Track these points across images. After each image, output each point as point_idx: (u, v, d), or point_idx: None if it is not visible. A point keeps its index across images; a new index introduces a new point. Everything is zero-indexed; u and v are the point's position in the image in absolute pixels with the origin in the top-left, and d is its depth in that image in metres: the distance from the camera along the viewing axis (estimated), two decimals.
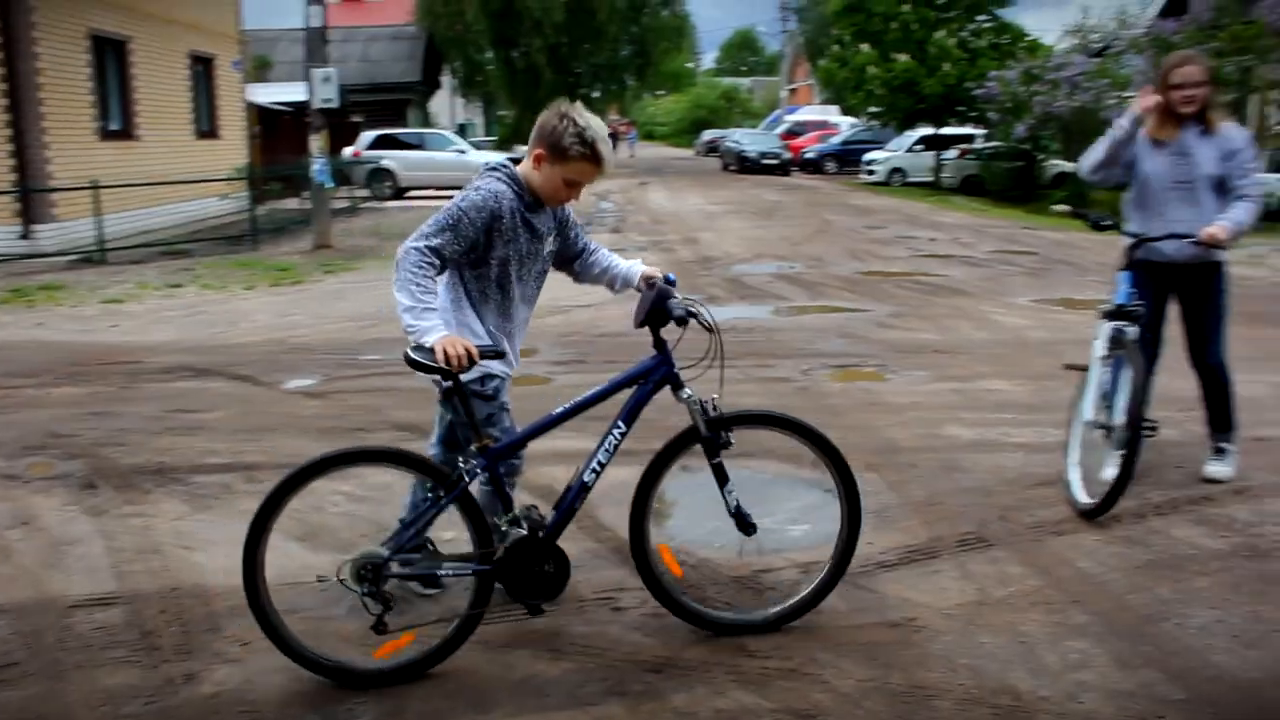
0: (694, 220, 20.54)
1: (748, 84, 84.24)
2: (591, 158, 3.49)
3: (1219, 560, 4.40)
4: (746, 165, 37.97)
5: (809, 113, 48.35)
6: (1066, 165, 25.99)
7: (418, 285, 3.36)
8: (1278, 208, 20.43)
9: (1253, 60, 20.32)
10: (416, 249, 3.40)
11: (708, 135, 57.04)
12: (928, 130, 32.57)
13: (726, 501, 3.65)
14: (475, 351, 3.28)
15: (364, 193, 24.88)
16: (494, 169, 3.64)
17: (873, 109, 33.00)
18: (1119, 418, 4.84)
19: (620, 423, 3.57)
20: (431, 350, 3.25)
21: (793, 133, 42.99)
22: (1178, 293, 5.21)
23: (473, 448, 3.44)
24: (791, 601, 3.80)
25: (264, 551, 3.32)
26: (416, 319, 3.33)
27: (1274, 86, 20.60)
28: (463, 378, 3.38)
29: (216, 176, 18.87)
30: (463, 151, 28.05)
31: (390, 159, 27.06)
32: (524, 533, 3.46)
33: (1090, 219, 5.28)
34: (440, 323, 3.36)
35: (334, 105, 16.70)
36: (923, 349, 8.56)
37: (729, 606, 3.92)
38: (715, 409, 3.59)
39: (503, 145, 35.41)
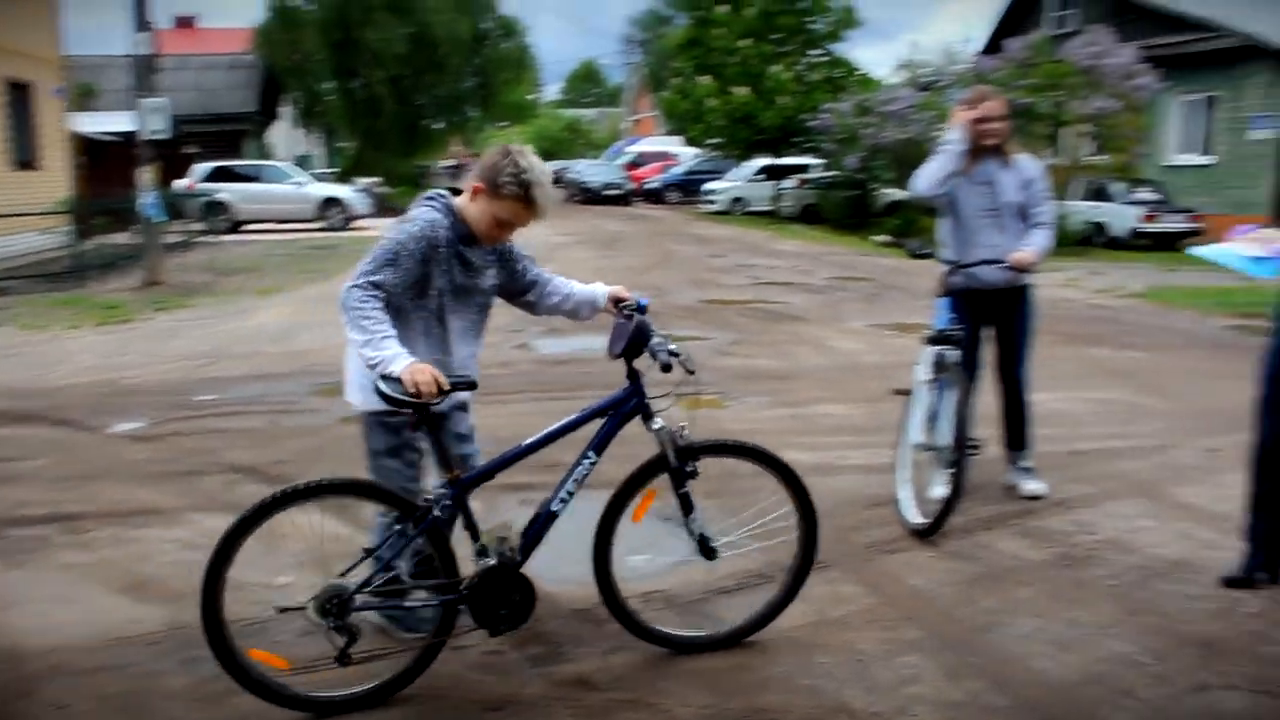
0: (538, 251, 20.38)
1: (591, 115, 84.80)
2: (524, 199, 3.45)
3: (1039, 570, 4.63)
4: (590, 196, 38.20)
5: (651, 144, 48.99)
6: (898, 194, 27.02)
7: (367, 318, 3.29)
8: (1092, 232, 21.74)
9: (1064, 96, 21.56)
10: (357, 285, 3.34)
11: (552, 166, 56.98)
12: (767, 160, 33.44)
13: (690, 529, 3.73)
14: (444, 380, 3.23)
15: (199, 226, 24.06)
16: (430, 198, 3.61)
17: (713, 140, 33.70)
18: (944, 439, 5.05)
19: (591, 452, 3.60)
20: (399, 380, 3.19)
21: (635, 163, 43.46)
22: (992, 316, 5.46)
23: (442, 477, 3.43)
24: (746, 619, 3.93)
25: (223, 595, 3.23)
26: (376, 349, 3.25)
27: (1083, 120, 21.88)
28: (370, 406, 3.47)
29: (36, 210, 17.98)
30: (302, 184, 27.47)
31: (226, 192, 26.25)
32: (492, 562, 3.45)
33: (908, 248, 5.49)
34: (403, 350, 3.28)
35: (165, 136, 16.13)
36: (762, 375, 8.75)
37: (688, 626, 4.00)
38: (685, 439, 3.65)
39: (344, 177, 34.69)
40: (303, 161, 38.26)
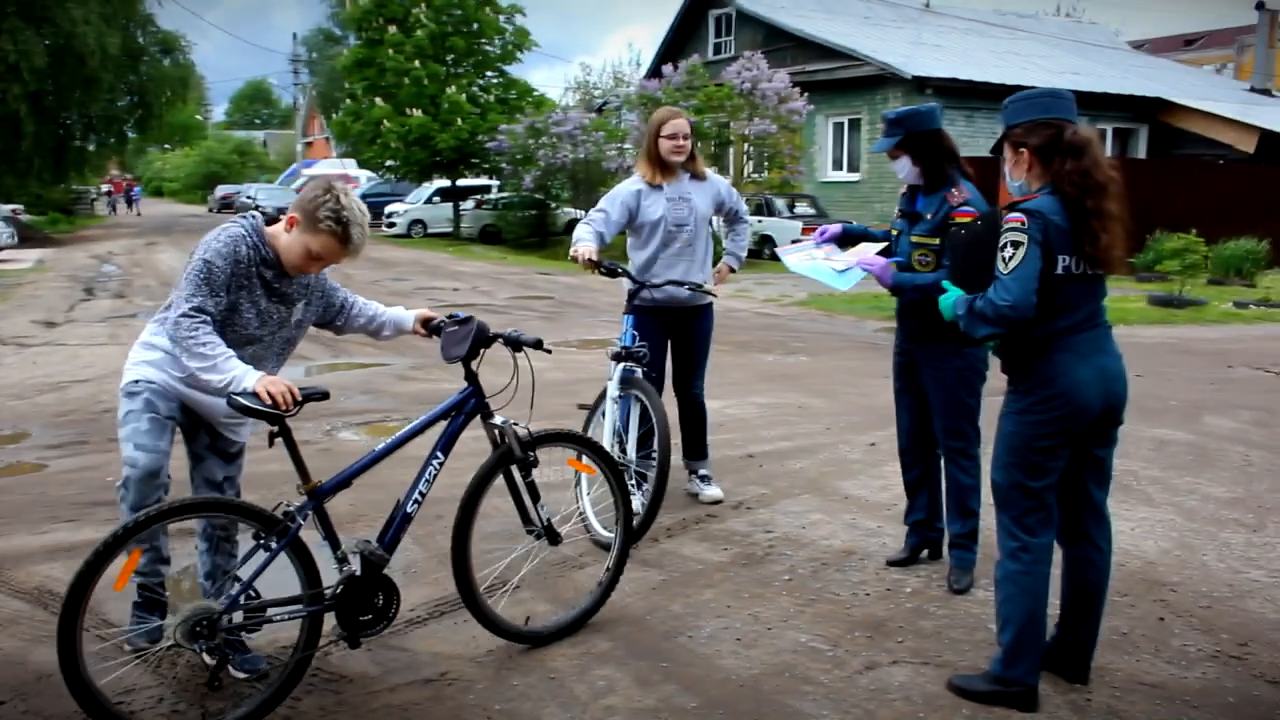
0: None
1: (261, 137, 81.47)
2: (340, 237, 3.49)
3: (721, 572, 4.80)
4: (264, 221, 36.56)
5: (327, 166, 47.57)
6: (577, 213, 27.64)
7: (202, 344, 3.31)
8: (759, 245, 23.04)
9: (726, 117, 22.78)
10: (182, 314, 3.35)
11: (221, 190, 54.61)
12: (444, 182, 33.29)
13: (539, 516, 3.99)
14: (297, 391, 3.27)
15: None
16: (240, 218, 3.61)
17: (389, 162, 33.16)
18: (632, 453, 5.16)
19: (439, 453, 3.80)
20: (255, 394, 3.23)
21: None
22: (674, 331, 5.63)
23: (300, 489, 3.45)
24: (578, 610, 4.19)
25: (81, 635, 3.05)
26: (220, 372, 3.29)
27: (745, 140, 23.20)
28: (122, 380, 3.53)
29: None
30: None
31: None
32: (355, 569, 3.52)
33: (604, 266, 5.52)
34: (248, 367, 3.33)
35: None
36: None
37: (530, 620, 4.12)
38: (527, 432, 3.91)
39: None
40: None
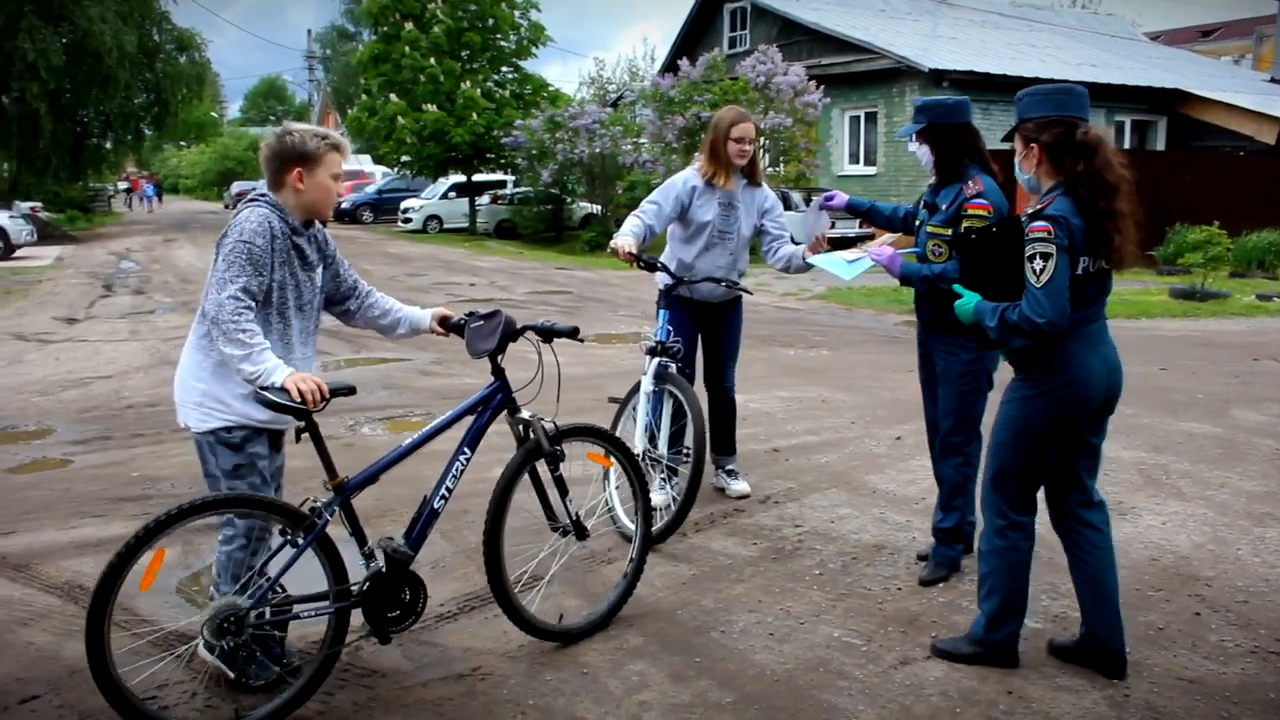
0: None
1: None
2: (337, 146, 3.58)
3: (751, 566, 4.77)
4: None
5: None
6: (593, 207, 27.63)
7: (243, 331, 3.28)
8: None
9: None
10: (230, 297, 3.30)
11: (238, 187, 54.78)
12: (460, 178, 33.31)
13: (568, 510, 3.97)
14: (325, 387, 3.25)
15: None
16: (253, 200, 3.55)
17: (404, 158, 33.20)
18: (663, 448, 5.13)
19: (465, 448, 3.78)
20: (284, 390, 3.20)
21: None
22: (707, 326, 5.63)
23: (327, 485, 3.42)
24: (606, 605, 4.18)
25: (109, 631, 3.06)
26: (255, 364, 3.26)
27: (761, 134, 23.11)
28: (207, 425, 3.47)
29: None
30: None
31: None
32: (381, 566, 3.51)
33: (643, 260, 5.45)
34: (280, 362, 3.30)
35: None
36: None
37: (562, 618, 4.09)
38: (554, 427, 3.89)
39: (2, 200, 31.48)
40: None
